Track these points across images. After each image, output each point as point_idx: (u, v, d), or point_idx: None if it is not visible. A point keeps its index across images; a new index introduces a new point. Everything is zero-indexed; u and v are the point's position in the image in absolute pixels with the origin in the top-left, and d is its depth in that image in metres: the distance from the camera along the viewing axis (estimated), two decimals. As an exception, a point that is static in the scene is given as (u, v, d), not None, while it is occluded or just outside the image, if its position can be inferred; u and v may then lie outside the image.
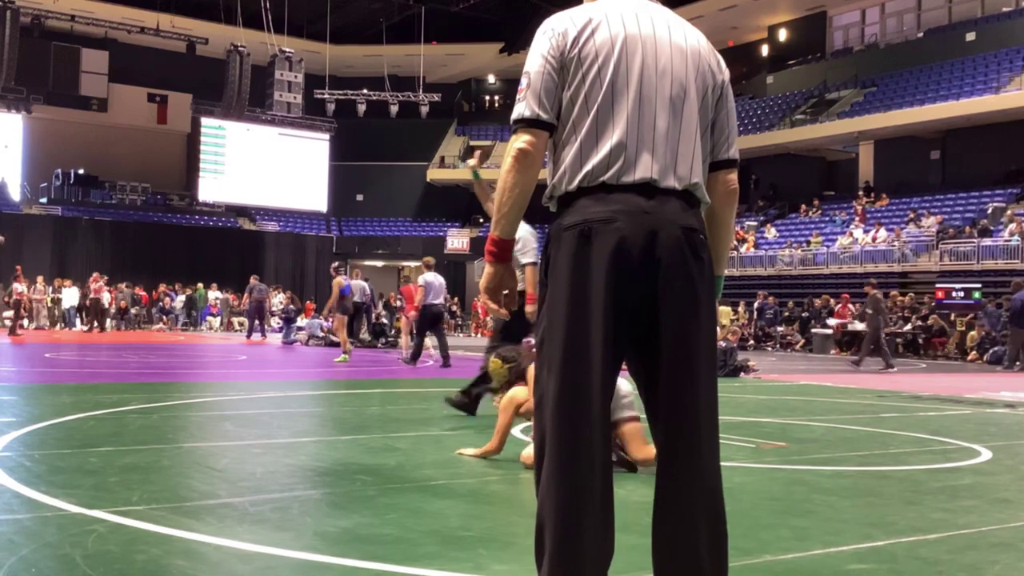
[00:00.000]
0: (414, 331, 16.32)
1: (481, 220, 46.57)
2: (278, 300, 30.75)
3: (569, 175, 2.36)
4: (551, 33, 2.38)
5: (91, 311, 27.64)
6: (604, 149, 2.32)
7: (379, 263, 43.95)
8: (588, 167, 2.33)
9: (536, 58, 2.38)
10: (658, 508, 2.33)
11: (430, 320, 14.66)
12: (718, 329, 2.51)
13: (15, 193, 39.43)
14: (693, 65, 2.41)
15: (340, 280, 16.63)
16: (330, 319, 19.52)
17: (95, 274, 27.99)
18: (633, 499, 4.39)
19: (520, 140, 2.35)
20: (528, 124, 2.35)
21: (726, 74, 2.49)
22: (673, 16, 2.46)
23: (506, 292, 2.44)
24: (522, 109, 2.36)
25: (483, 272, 2.45)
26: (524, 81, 2.39)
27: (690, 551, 2.27)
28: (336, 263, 16.66)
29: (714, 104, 2.45)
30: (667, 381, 2.31)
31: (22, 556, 3.23)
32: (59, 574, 3.05)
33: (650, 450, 5.20)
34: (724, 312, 20.86)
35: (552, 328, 2.31)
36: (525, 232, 7.64)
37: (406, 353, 16.08)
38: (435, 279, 14.52)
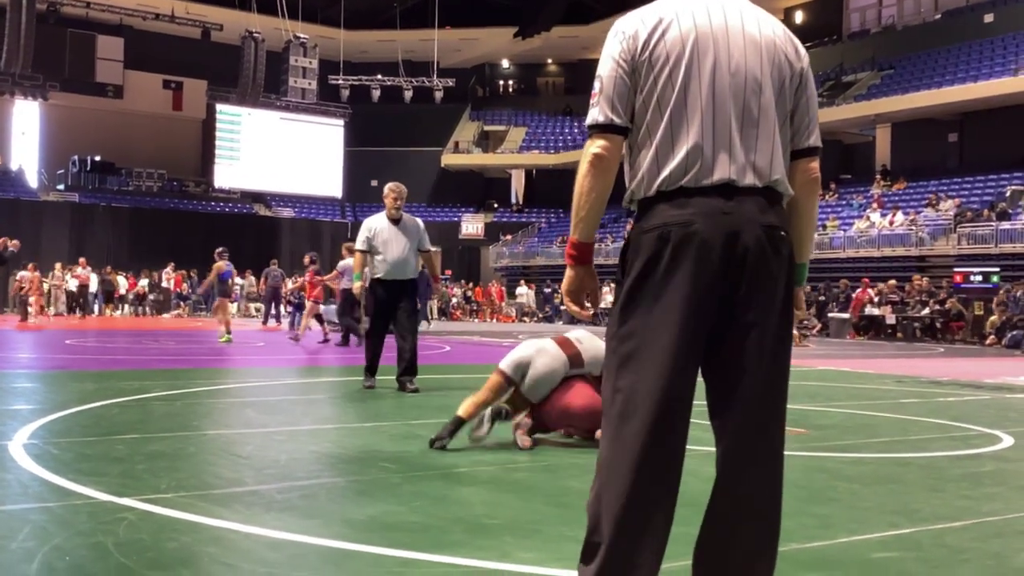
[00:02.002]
0: (329, 315, 18.04)
1: (495, 205, 46.58)
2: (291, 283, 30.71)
3: (647, 180, 2.34)
4: (621, 36, 2.35)
5: (77, 297, 27.77)
6: (680, 153, 2.30)
7: (394, 248, 43.98)
8: (666, 172, 2.31)
9: (607, 61, 2.36)
10: (711, 511, 2.35)
11: (352, 303, 15.40)
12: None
13: (32, 180, 39.65)
14: (768, 57, 2.37)
15: (221, 264, 16.93)
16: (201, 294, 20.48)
17: (81, 259, 28.02)
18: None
19: (595, 145, 2.34)
20: (602, 129, 2.34)
21: (805, 61, 2.45)
22: (746, 4, 2.43)
23: (588, 293, 2.45)
24: (596, 114, 2.35)
25: (565, 275, 2.44)
26: (597, 85, 2.36)
27: (744, 557, 2.30)
28: (220, 248, 16.98)
29: (792, 94, 2.42)
30: (739, 381, 2.30)
31: (55, 545, 3.27)
32: (93, 562, 3.09)
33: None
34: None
35: (629, 333, 2.30)
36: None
37: (298, 333, 17.45)
38: (350, 264, 15.28)
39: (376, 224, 8.70)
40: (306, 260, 18.81)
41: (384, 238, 8.59)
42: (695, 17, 2.34)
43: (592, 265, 2.45)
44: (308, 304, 17.58)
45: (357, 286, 8.73)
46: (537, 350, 5.67)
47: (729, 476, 2.33)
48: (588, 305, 2.46)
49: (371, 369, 8.81)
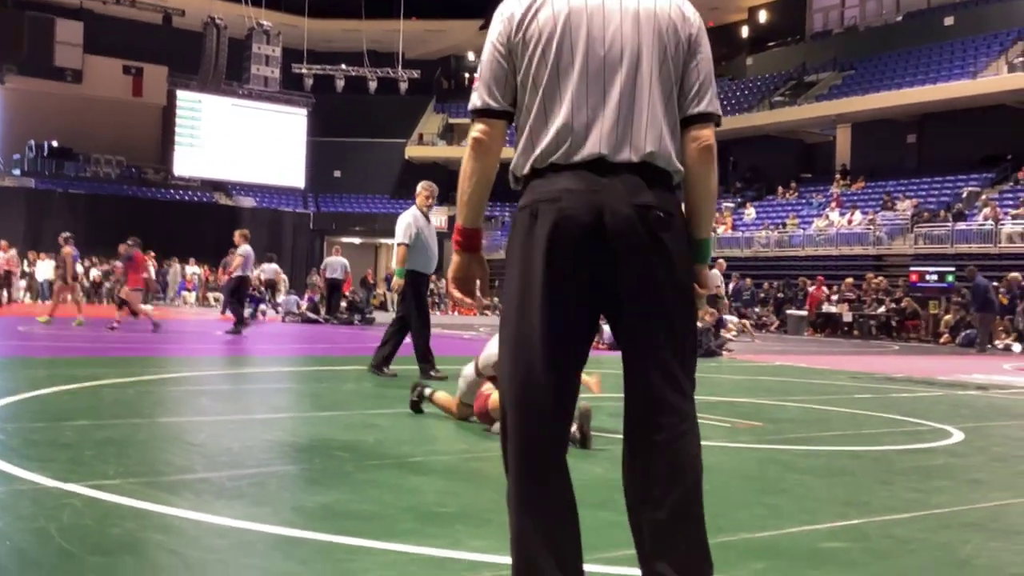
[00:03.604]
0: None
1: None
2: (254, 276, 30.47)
3: (523, 159, 2.34)
4: (499, 18, 2.35)
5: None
6: (552, 130, 2.28)
7: (356, 240, 43.82)
8: (539, 149, 2.29)
9: (487, 46, 2.36)
10: (628, 493, 2.32)
11: (243, 289, 16.61)
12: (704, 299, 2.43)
13: (-13, 165, 38.99)
14: (649, 27, 2.30)
15: (68, 250, 16.79)
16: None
17: (2, 243, 27.34)
18: (612, 476, 4.40)
19: (475, 129, 2.35)
20: (480, 113, 2.35)
21: (694, 26, 2.36)
22: None
23: (478, 281, 2.43)
24: (475, 99, 2.36)
25: (452, 262, 2.42)
26: (479, 70, 2.38)
27: (661, 533, 2.23)
28: (67, 233, 16.89)
29: (680, 62, 2.34)
30: (632, 365, 2.29)
31: (-4, 529, 3.21)
32: (34, 547, 3.03)
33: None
34: (713, 276, 19.76)
35: (505, 311, 2.33)
36: None
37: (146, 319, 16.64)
38: (251, 251, 16.27)
39: (417, 218, 8.79)
40: (122, 248, 18.30)
41: (426, 234, 8.80)
42: None
43: (481, 252, 2.43)
44: (127, 291, 16.81)
45: (399, 281, 8.83)
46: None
47: (629, 458, 2.30)
48: (477, 294, 2.45)
49: (428, 359, 8.85)
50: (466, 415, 6.16)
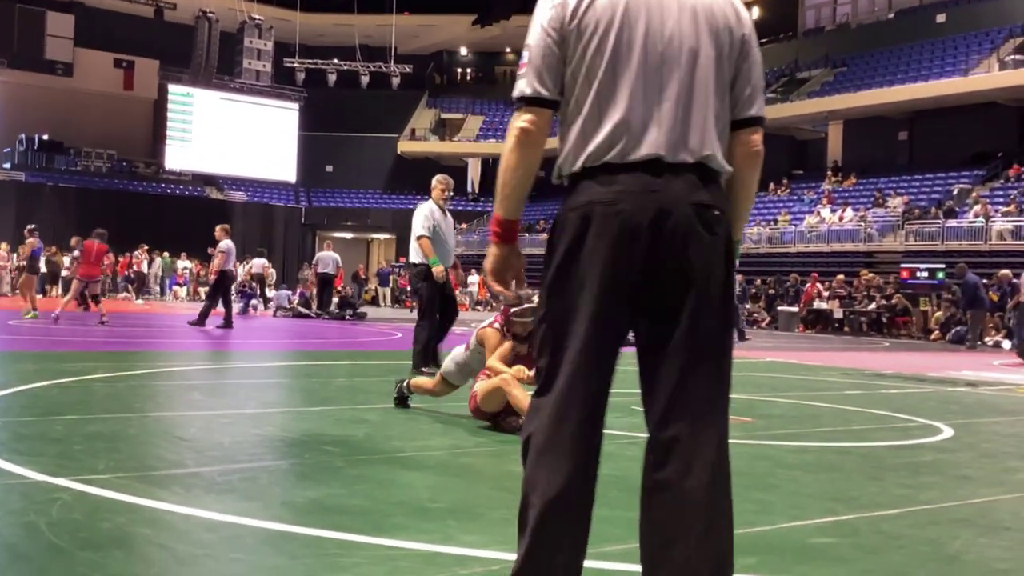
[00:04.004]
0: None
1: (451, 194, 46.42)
2: (242, 271, 30.39)
3: (573, 155, 2.25)
4: (551, 3, 2.24)
5: None
6: (607, 128, 2.20)
7: (348, 235, 43.76)
8: (591, 147, 2.21)
9: (536, 30, 2.25)
10: (647, 496, 2.24)
11: (228, 284, 16.75)
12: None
13: (-23, 158, 38.82)
14: (706, 24, 2.24)
15: (33, 241, 17.10)
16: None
17: None
18: (605, 473, 4.40)
19: (521, 119, 2.24)
20: (529, 102, 2.24)
21: (747, 27, 2.31)
22: None
23: (514, 273, 2.36)
24: (523, 86, 2.24)
25: (488, 254, 2.35)
26: (525, 55, 2.26)
27: (684, 548, 2.17)
28: (31, 225, 17.06)
29: (733, 62, 2.28)
30: (673, 364, 2.22)
31: (-15, 523, 3.20)
32: (23, 541, 3.02)
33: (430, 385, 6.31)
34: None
35: (549, 316, 2.25)
36: None
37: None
38: (232, 246, 16.38)
39: (433, 211, 8.76)
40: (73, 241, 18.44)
41: (443, 227, 8.76)
42: None
43: (518, 244, 2.36)
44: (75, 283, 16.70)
45: (440, 270, 8.61)
46: None
47: (658, 466, 2.23)
48: (512, 285, 2.39)
49: (432, 354, 8.68)
50: (444, 392, 6.30)
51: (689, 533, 2.16)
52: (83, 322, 15.81)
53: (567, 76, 2.25)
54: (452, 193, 9.04)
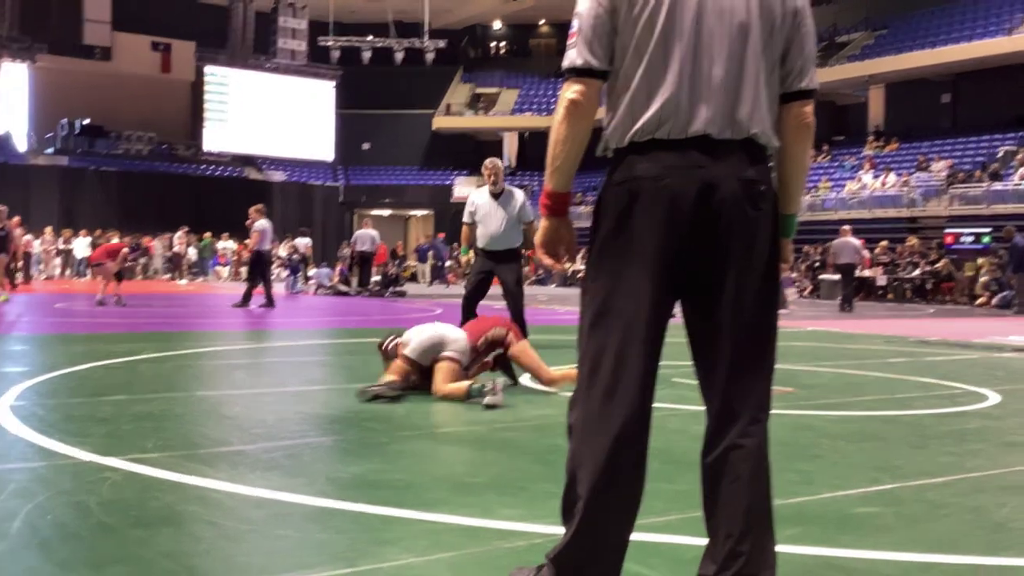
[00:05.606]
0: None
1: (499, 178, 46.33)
2: (282, 249, 30.66)
3: (621, 130, 2.24)
4: None
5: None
6: (656, 105, 2.19)
7: (386, 212, 43.89)
8: (640, 124, 2.20)
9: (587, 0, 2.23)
10: (708, 469, 2.31)
11: (265, 264, 16.67)
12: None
13: (21, 144, 39.32)
14: None
15: (16, 220, 17.42)
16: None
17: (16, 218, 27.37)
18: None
19: (571, 90, 2.21)
20: (579, 73, 2.21)
21: (799, 0, 2.28)
22: None
23: (565, 245, 2.35)
24: (573, 57, 2.22)
25: (539, 227, 2.34)
26: (575, 24, 2.23)
27: (735, 513, 2.29)
28: (3, 207, 16.97)
29: (784, 35, 2.26)
30: (722, 339, 2.24)
31: (38, 503, 3.27)
32: (75, 520, 3.09)
33: (449, 387, 5.86)
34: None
35: (597, 292, 2.25)
36: None
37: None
38: (267, 225, 16.35)
39: (478, 199, 8.95)
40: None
41: (484, 212, 8.84)
42: None
43: (568, 216, 2.35)
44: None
45: (465, 258, 9.19)
46: None
47: (717, 436, 2.29)
48: (564, 257, 2.38)
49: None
50: (405, 372, 6.07)
51: (740, 477, 2.30)
52: (128, 304, 15.98)
53: (617, 47, 2.23)
54: (498, 177, 8.96)
